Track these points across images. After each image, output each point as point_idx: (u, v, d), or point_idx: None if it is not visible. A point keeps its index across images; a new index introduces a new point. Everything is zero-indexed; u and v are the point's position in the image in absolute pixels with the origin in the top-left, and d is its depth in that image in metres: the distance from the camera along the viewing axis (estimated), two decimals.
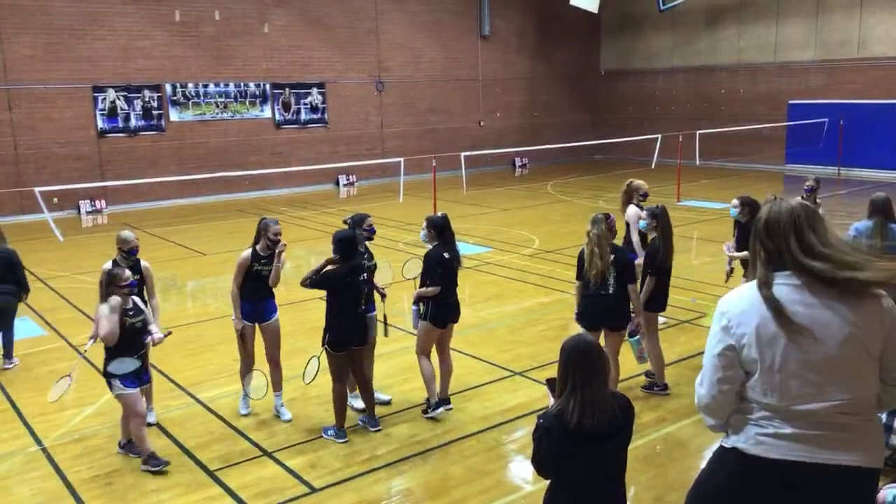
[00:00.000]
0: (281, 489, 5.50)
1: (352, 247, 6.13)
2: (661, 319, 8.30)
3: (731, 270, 8.07)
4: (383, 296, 6.60)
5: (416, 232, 8.23)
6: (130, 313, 5.77)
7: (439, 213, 6.70)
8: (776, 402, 2.68)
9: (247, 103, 21.60)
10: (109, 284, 5.71)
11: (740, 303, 2.75)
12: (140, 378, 5.85)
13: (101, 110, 19.43)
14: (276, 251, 6.43)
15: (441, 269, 6.34)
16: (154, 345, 6.03)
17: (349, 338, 6.15)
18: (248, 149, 21.67)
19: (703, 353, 2.91)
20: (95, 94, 19.28)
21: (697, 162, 22.54)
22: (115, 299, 5.68)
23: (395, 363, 7.86)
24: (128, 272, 5.87)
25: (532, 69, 27.81)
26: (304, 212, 18.40)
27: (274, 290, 6.64)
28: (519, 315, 9.63)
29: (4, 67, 17.98)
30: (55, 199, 17.94)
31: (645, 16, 27.46)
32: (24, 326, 9.21)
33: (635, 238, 8.06)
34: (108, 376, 5.69)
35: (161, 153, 20.37)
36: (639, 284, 6.71)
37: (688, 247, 13.20)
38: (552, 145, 24.23)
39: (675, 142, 20.37)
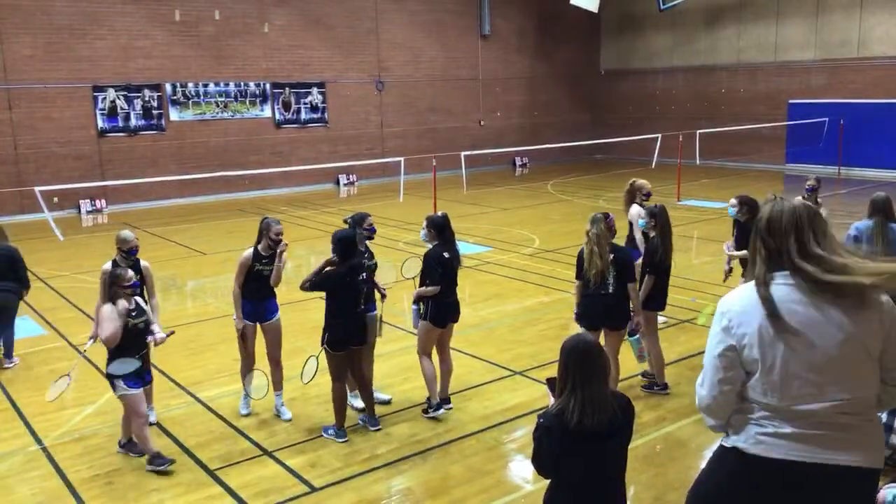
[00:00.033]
0: (281, 488, 5.50)
1: (351, 246, 6.12)
2: (661, 319, 8.31)
3: (730, 270, 8.07)
4: (383, 295, 6.60)
5: (417, 231, 8.23)
6: (133, 314, 5.77)
7: (439, 213, 6.69)
8: (776, 401, 2.68)
9: (247, 103, 21.60)
10: (112, 285, 5.70)
11: (741, 303, 2.75)
12: (142, 378, 5.85)
13: (101, 110, 19.44)
14: (278, 251, 6.43)
15: (441, 268, 6.33)
16: (156, 345, 6.03)
17: (348, 337, 6.14)
18: (249, 148, 21.68)
19: (703, 352, 2.90)
20: (95, 94, 19.29)
21: (697, 161, 22.54)
22: (123, 304, 5.67)
23: (395, 363, 7.87)
24: (131, 272, 5.86)
25: (532, 69, 27.81)
26: (305, 211, 18.40)
27: (275, 289, 6.65)
28: (519, 314, 9.63)
29: (4, 67, 17.98)
30: (55, 199, 17.95)
31: (645, 15, 27.46)
32: (25, 326, 9.22)
33: (639, 237, 8.06)
34: (111, 377, 5.69)
35: (161, 153, 20.37)
36: (638, 283, 6.71)
37: (688, 246, 13.20)
38: (552, 145, 24.24)
39: (675, 141, 20.37)
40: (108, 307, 5.66)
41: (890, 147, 21.85)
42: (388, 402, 6.90)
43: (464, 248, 8.98)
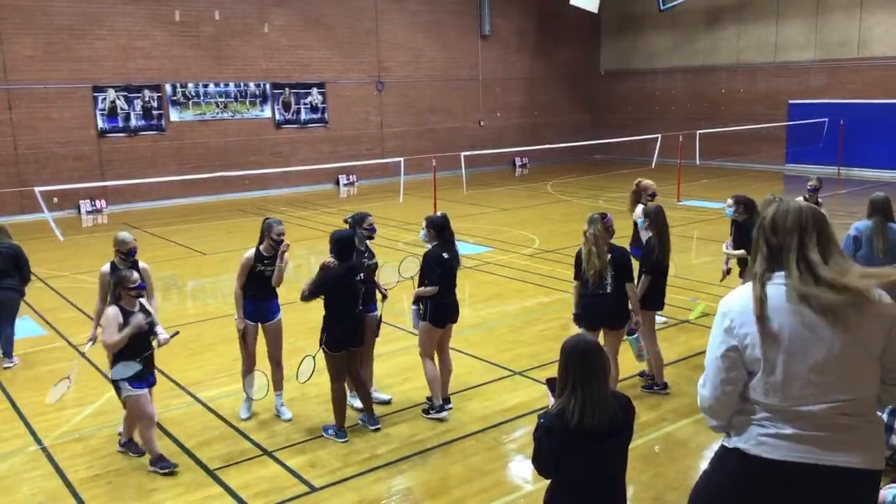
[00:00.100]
0: (281, 488, 5.50)
1: (348, 247, 6.12)
2: (660, 319, 8.32)
3: (728, 270, 8.08)
4: (384, 296, 6.60)
5: (416, 232, 8.23)
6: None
7: (439, 213, 6.70)
8: (778, 402, 2.69)
9: (247, 103, 21.60)
10: (117, 287, 5.68)
11: (741, 303, 2.75)
12: (146, 379, 5.84)
13: (101, 110, 19.43)
14: (280, 251, 6.43)
15: (440, 269, 6.33)
16: (160, 346, 6.02)
17: (346, 338, 6.14)
18: (249, 149, 21.67)
19: (703, 352, 2.91)
20: (95, 94, 19.28)
21: (697, 162, 22.54)
22: (140, 319, 5.64)
23: (396, 363, 7.87)
24: (136, 274, 5.83)
25: (532, 69, 27.81)
26: (305, 211, 18.40)
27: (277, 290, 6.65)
28: (519, 315, 9.63)
29: (4, 67, 17.98)
30: (55, 199, 17.94)
31: (645, 16, 27.46)
32: (25, 326, 9.22)
33: (644, 237, 8.07)
34: (114, 382, 5.68)
35: (161, 153, 20.37)
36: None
37: (687, 246, 13.21)
38: (552, 145, 24.24)
39: (674, 142, 20.38)
40: (112, 310, 5.62)
41: (889, 147, 21.86)
42: (387, 402, 6.90)
43: (464, 248, 8.99)
